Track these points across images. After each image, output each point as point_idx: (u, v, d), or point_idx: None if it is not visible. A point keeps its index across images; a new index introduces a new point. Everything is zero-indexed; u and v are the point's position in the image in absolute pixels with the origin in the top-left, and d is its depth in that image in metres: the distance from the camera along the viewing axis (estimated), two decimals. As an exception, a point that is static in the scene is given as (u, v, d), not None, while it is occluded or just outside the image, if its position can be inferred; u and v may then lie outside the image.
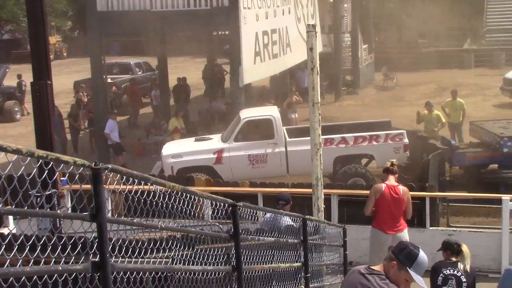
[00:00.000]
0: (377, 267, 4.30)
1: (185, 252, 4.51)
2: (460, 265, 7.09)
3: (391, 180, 9.07)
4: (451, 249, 7.27)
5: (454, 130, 19.77)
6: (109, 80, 23.55)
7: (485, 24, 44.48)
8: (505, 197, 11.19)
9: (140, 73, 32.23)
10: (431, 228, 11.37)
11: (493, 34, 43.37)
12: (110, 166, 3.14)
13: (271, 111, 16.80)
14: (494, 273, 10.74)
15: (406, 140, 16.01)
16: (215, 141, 16.54)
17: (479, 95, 30.78)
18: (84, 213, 3.07)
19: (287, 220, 7.58)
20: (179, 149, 16.32)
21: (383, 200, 8.98)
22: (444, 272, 7.20)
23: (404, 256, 4.15)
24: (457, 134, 19.66)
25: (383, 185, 9.03)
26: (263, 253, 5.82)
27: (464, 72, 38.81)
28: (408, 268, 4.11)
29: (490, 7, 45.12)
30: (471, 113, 24.75)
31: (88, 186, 3.11)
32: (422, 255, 4.18)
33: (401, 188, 9.05)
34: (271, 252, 6.08)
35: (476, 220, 13.77)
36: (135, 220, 3.76)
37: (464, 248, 7.22)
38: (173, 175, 14.92)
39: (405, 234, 9.16)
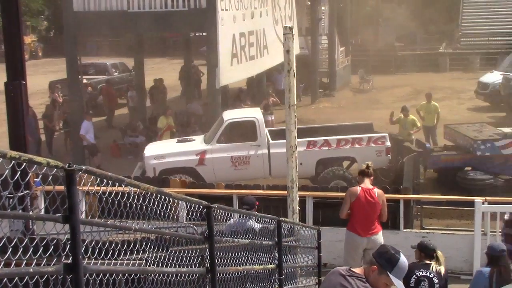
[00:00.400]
0: (358, 270, 4.31)
1: (159, 254, 4.51)
2: (433, 267, 7.16)
3: (367, 183, 9.11)
4: (426, 252, 7.35)
5: (428, 133, 19.94)
6: (84, 81, 23.40)
7: (460, 28, 44.90)
8: (477, 199, 11.32)
9: (116, 74, 32.09)
10: (405, 230, 11.46)
11: (468, 38, 43.80)
12: (84, 167, 3.14)
13: (254, 113, 16.81)
14: (466, 275, 10.85)
15: (388, 144, 16.11)
16: (197, 143, 16.51)
17: (454, 98, 31.09)
18: (57, 215, 3.06)
19: (253, 224, 7.48)
20: (162, 150, 16.26)
21: (358, 203, 9.02)
22: (417, 273, 7.26)
23: (385, 260, 4.16)
24: (431, 137, 19.83)
25: (358, 188, 9.06)
26: (237, 255, 5.84)
27: (440, 75, 39.16)
28: (388, 273, 4.13)
29: (465, 11, 45.59)
30: (446, 116, 24.97)
31: (62, 188, 3.10)
32: (403, 259, 4.20)
33: (376, 191, 9.10)
34: (245, 254, 6.09)
35: (449, 222, 13.90)
36: (108, 222, 3.76)
37: (439, 254, 7.29)
38: (155, 176, 14.87)
39: (380, 237, 9.22)
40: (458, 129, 17.49)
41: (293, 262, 8.17)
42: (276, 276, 6.95)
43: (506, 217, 8.33)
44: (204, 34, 21.64)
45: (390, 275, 4.13)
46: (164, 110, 21.72)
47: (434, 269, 7.16)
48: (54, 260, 3.12)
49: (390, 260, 4.15)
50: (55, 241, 3.36)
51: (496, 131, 17.09)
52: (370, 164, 9.34)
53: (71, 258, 3.06)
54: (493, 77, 28.71)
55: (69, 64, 19.39)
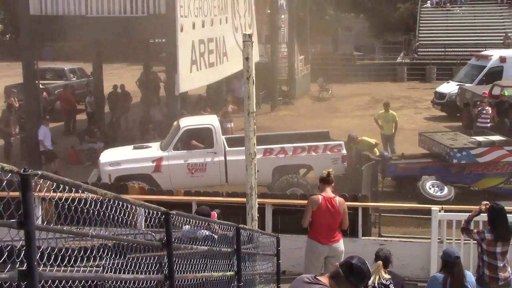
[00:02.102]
0: (322, 278, 4.29)
1: (116, 261, 4.44)
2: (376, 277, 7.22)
3: (328, 191, 9.10)
4: (376, 261, 7.43)
5: (387, 142, 20.15)
6: (41, 86, 23.06)
7: (418, 39, 45.60)
8: (434, 207, 11.47)
9: (74, 79, 31.72)
10: (363, 238, 11.54)
11: (424, 48, 44.50)
12: (39, 172, 3.08)
13: (211, 120, 16.78)
14: (423, 282, 10.96)
15: (344, 151, 16.21)
16: (154, 150, 16.39)
17: (411, 107, 31.52)
18: (12, 220, 2.99)
19: (205, 232, 7.34)
20: (117, 157, 16.09)
21: (319, 212, 9.02)
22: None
23: (356, 277, 4.14)
24: (390, 145, 20.05)
25: (320, 197, 9.03)
26: (196, 262, 5.79)
27: (397, 85, 39.69)
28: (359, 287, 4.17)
29: (422, 22, 46.32)
30: (403, 125, 25.31)
31: (17, 193, 3.04)
32: (368, 268, 4.23)
33: (338, 200, 9.10)
34: (204, 261, 6.05)
35: (407, 230, 14.05)
36: (65, 228, 3.69)
37: (376, 265, 7.33)
38: (111, 182, 14.70)
39: (341, 245, 9.25)
40: (433, 137, 17.63)
41: (252, 269, 8.15)
42: (235, 283, 6.92)
43: (488, 236, 8.42)
44: (163, 40, 21.51)
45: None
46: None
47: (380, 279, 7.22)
48: (8, 267, 3.04)
49: (359, 274, 4.16)
50: (9, 247, 3.28)
51: (470, 139, 17.32)
52: (331, 172, 9.31)
53: (26, 264, 2.99)
54: (449, 87, 29.20)
55: (25, 69, 19.08)
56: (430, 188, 15.93)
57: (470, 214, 8.75)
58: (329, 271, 9.16)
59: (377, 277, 7.27)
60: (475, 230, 8.56)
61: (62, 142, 22.97)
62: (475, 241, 8.57)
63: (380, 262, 7.35)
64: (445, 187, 16.02)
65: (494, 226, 8.33)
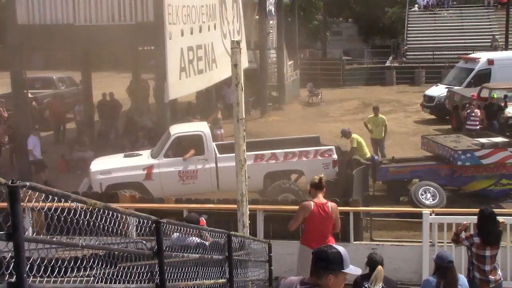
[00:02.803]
0: (307, 279, 4.28)
1: (107, 271, 4.42)
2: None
3: (320, 197, 9.01)
4: (371, 265, 7.44)
5: (376, 146, 20.18)
6: (29, 95, 22.97)
7: (406, 43, 45.78)
8: (425, 211, 11.49)
9: (63, 88, 31.64)
10: (355, 242, 11.55)
11: (413, 52, 44.67)
12: (28, 183, 3.07)
13: (201, 127, 16.75)
14: (415, 285, 10.96)
15: (335, 156, 16.21)
16: (144, 157, 16.35)
17: (400, 111, 31.62)
18: (0, 232, 2.97)
19: (195, 239, 7.31)
20: (108, 165, 16.03)
21: (312, 218, 8.94)
22: (366, 285, 7.33)
23: (333, 263, 4.12)
24: (380, 149, 20.07)
25: (312, 204, 8.94)
26: (188, 270, 5.77)
27: (386, 88, 39.85)
28: (343, 270, 4.14)
29: (410, 26, 46.51)
30: (393, 128, 25.39)
31: (5, 204, 3.02)
32: (341, 249, 4.20)
33: (330, 206, 9.01)
34: (196, 269, 6.03)
35: (399, 234, 14.07)
36: (54, 239, 3.67)
37: (378, 270, 7.34)
38: (102, 191, 14.65)
39: None
40: (436, 140, 17.62)
41: (244, 276, 8.13)
42: (227, 290, 6.90)
43: (476, 240, 8.43)
44: (152, 47, 21.49)
45: (346, 270, 4.14)
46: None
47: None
48: (-3, 279, 3.02)
49: (336, 259, 4.13)
50: (-1, 259, 3.26)
51: (473, 141, 17.32)
52: (323, 177, 9.22)
53: (15, 276, 2.97)
54: (438, 90, 29.32)
55: (13, 78, 18.99)
56: (422, 195, 15.88)
57: (459, 227, 8.75)
58: None
59: (381, 283, 7.27)
60: (463, 236, 8.58)
61: (51, 151, 22.89)
62: (459, 241, 8.58)
63: (380, 267, 7.35)
64: (437, 193, 15.92)
65: (482, 230, 8.35)
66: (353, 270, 4.22)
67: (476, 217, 8.61)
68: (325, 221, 9.00)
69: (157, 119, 19.54)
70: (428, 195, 15.86)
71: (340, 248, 4.22)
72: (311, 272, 4.23)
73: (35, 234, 4.32)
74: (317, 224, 8.96)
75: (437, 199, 15.71)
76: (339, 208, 10.13)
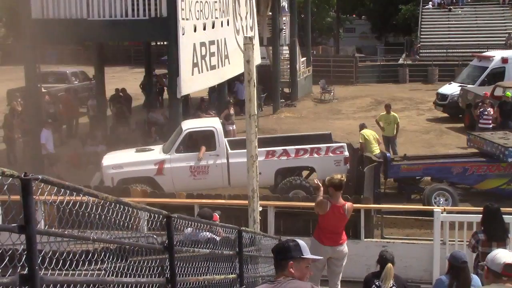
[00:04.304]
0: (278, 277, 4.36)
1: (118, 264, 4.45)
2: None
3: (338, 197, 8.90)
4: (381, 263, 7.43)
5: (388, 143, 20.14)
6: (43, 90, 23.07)
7: (419, 40, 45.57)
8: (436, 209, 11.46)
9: (76, 82, 31.77)
10: (365, 239, 11.53)
11: (427, 50, 44.47)
12: (40, 176, 3.09)
13: (213, 123, 16.76)
14: (426, 283, 10.96)
15: (346, 153, 16.19)
16: (156, 152, 16.38)
17: (413, 109, 31.51)
18: (13, 225, 3.00)
19: (207, 234, 7.34)
20: (120, 160, 16.08)
21: (326, 218, 8.91)
22: (376, 283, 7.32)
23: (292, 251, 4.30)
24: (391, 147, 20.03)
25: (328, 205, 8.84)
26: (198, 265, 5.79)
27: (399, 86, 39.72)
28: (302, 256, 4.30)
29: (424, 24, 46.29)
30: (406, 126, 25.33)
31: (18, 197, 3.04)
32: (298, 240, 4.42)
33: (346, 207, 8.93)
34: (206, 264, 6.05)
35: (410, 232, 14.05)
36: (66, 232, 3.69)
37: (387, 268, 7.33)
38: (114, 185, 14.70)
39: (345, 248, 9.11)
40: (483, 136, 17.46)
41: (255, 272, 8.15)
42: (238, 286, 6.92)
43: (481, 236, 8.34)
44: (165, 43, 21.53)
45: (305, 256, 4.34)
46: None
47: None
48: (10, 271, 3.05)
49: (296, 247, 4.33)
50: (11, 251, 3.29)
51: None
52: (343, 179, 9.04)
53: (27, 268, 2.99)
54: (451, 88, 29.18)
55: (27, 72, 19.09)
56: (435, 200, 15.76)
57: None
58: (332, 273, 9.18)
59: (392, 281, 7.26)
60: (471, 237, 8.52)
61: (64, 145, 23.01)
62: (472, 246, 8.49)
63: (390, 265, 7.34)
64: (450, 197, 15.78)
65: (488, 226, 8.30)
66: (313, 256, 4.48)
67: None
68: (339, 221, 8.97)
69: (169, 114, 19.56)
70: (441, 199, 15.76)
71: (297, 240, 4.44)
72: (276, 268, 4.41)
73: (47, 227, 4.35)
74: (331, 223, 8.95)
75: (450, 204, 15.54)
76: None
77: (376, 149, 17.92)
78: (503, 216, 8.59)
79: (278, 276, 4.34)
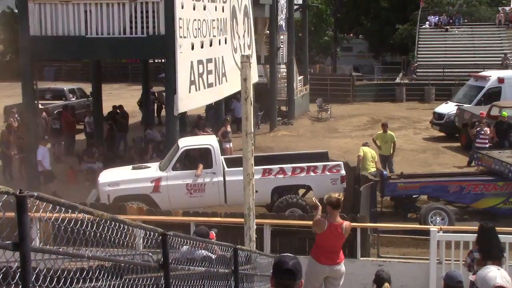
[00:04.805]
0: None
1: (113, 282, 4.42)
2: None
3: (336, 216, 8.86)
4: (378, 283, 7.41)
5: (385, 162, 20.15)
6: (40, 106, 23.06)
7: (416, 60, 45.77)
8: (432, 228, 11.45)
9: (73, 99, 31.80)
10: (362, 258, 11.51)
11: (423, 69, 44.65)
12: (35, 193, 3.08)
13: (209, 140, 16.78)
14: (422, 303, 10.93)
15: (343, 172, 16.18)
16: (153, 170, 16.37)
17: (410, 128, 31.58)
18: (7, 242, 2.98)
19: (203, 252, 7.29)
20: (116, 177, 16.05)
21: (324, 237, 8.87)
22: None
23: (277, 269, 4.19)
24: (388, 166, 20.04)
25: (326, 224, 8.79)
26: (194, 283, 5.76)
27: (396, 105, 39.81)
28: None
29: (420, 43, 46.51)
30: (402, 145, 25.35)
31: (12, 214, 3.03)
32: (292, 262, 4.24)
33: (344, 226, 8.88)
34: (202, 282, 6.02)
35: (406, 251, 14.02)
36: (61, 249, 3.67)
37: (385, 286, 7.31)
38: (110, 203, 14.65)
39: (342, 267, 9.03)
40: (491, 155, 17.47)
41: (250, 290, 8.11)
42: (233, 304, 6.89)
43: (476, 255, 8.31)
44: (162, 60, 21.58)
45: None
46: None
47: None
48: (3, 289, 3.03)
49: (300, 267, 4.23)
50: (5, 268, 3.27)
51: None
52: (341, 197, 8.99)
53: (20, 286, 2.98)
54: (448, 107, 29.26)
55: (24, 89, 19.09)
56: (431, 218, 15.74)
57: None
58: None
59: None
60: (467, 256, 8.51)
61: (61, 162, 22.97)
62: (468, 265, 8.46)
63: (387, 285, 7.32)
64: (447, 217, 15.77)
65: (483, 245, 8.29)
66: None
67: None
68: (337, 240, 8.92)
69: (166, 131, 19.57)
70: (438, 218, 15.74)
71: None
72: (277, 286, 4.24)
73: (42, 244, 4.33)
74: (329, 242, 8.89)
75: (446, 223, 15.51)
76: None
77: (372, 167, 17.94)
78: (498, 235, 8.57)
79: None
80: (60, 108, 27.97)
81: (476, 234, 8.79)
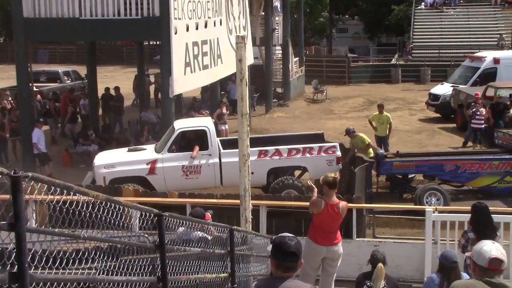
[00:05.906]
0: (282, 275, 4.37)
1: (109, 263, 4.43)
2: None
3: (332, 196, 8.89)
4: (373, 263, 7.45)
5: (381, 143, 20.17)
6: (34, 89, 22.99)
7: (412, 41, 45.68)
8: (428, 208, 11.48)
9: (68, 81, 31.70)
10: (357, 239, 11.54)
11: (419, 50, 44.58)
12: (30, 174, 3.07)
13: (205, 122, 16.75)
14: (417, 283, 10.98)
15: (339, 153, 16.19)
16: (148, 152, 16.35)
17: (405, 109, 31.59)
18: (2, 222, 2.98)
19: (199, 233, 7.30)
20: (112, 159, 16.03)
21: (321, 217, 8.89)
22: (368, 284, 7.34)
23: (278, 251, 4.33)
24: (384, 147, 20.05)
25: (323, 203, 8.83)
26: (190, 263, 5.78)
27: (392, 86, 39.81)
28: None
29: (416, 24, 46.39)
30: (398, 126, 25.37)
31: (7, 196, 3.02)
32: (293, 244, 4.37)
33: (341, 206, 8.91)
34: (198, 263, 6.04)
35: (401, 231, 14.07)
36: (56, 230, 3.67)
37: (378, 268, 7.34)
38: (106, 185, 14.64)
39: (339, 248, 9.08)
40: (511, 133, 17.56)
41: (246, 271, 8.14)
42: (229, 285, 6.91)
43: (471, 235, 8.35)
44: (157, 42, 21.48)
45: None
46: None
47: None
48: (-1, 269, 3.03)
49: (301, 247, 4.43)
50: (0, 249, 3.27)
51: None
52: (337, 177, 9.07)
53: (16, 266, 2.98)
54: (444, 88, 29.26)
55: (19, 71, 19.01)
56: (426, 199, 15.78)
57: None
58: (326, 273, 9.16)
59: (383, 281, 7.27)
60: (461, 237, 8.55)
61: (56, 144, 22.95)
62: (462, 246, 8.49)
63: (381, 265, 7.35)
64: (442, 197, 15.80)
65: (477, 225, 8.33)
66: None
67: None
68: (334, 221, 8.95)
69: (161, 114, 19.54)
70: (433, 199, 15.78)
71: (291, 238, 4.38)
72: (279, 267, 4.35)
73: (37, 225, 4.33)
74: (326, 222, 8.91)
75: (441, 203, 15.55)
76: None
77: (371, 152, 17.86)
78: (491, 214, 8.61)
79: (285, 274, 4.37)
80: (57, 90, 27.87)
81: (470, 215, 8.82)
